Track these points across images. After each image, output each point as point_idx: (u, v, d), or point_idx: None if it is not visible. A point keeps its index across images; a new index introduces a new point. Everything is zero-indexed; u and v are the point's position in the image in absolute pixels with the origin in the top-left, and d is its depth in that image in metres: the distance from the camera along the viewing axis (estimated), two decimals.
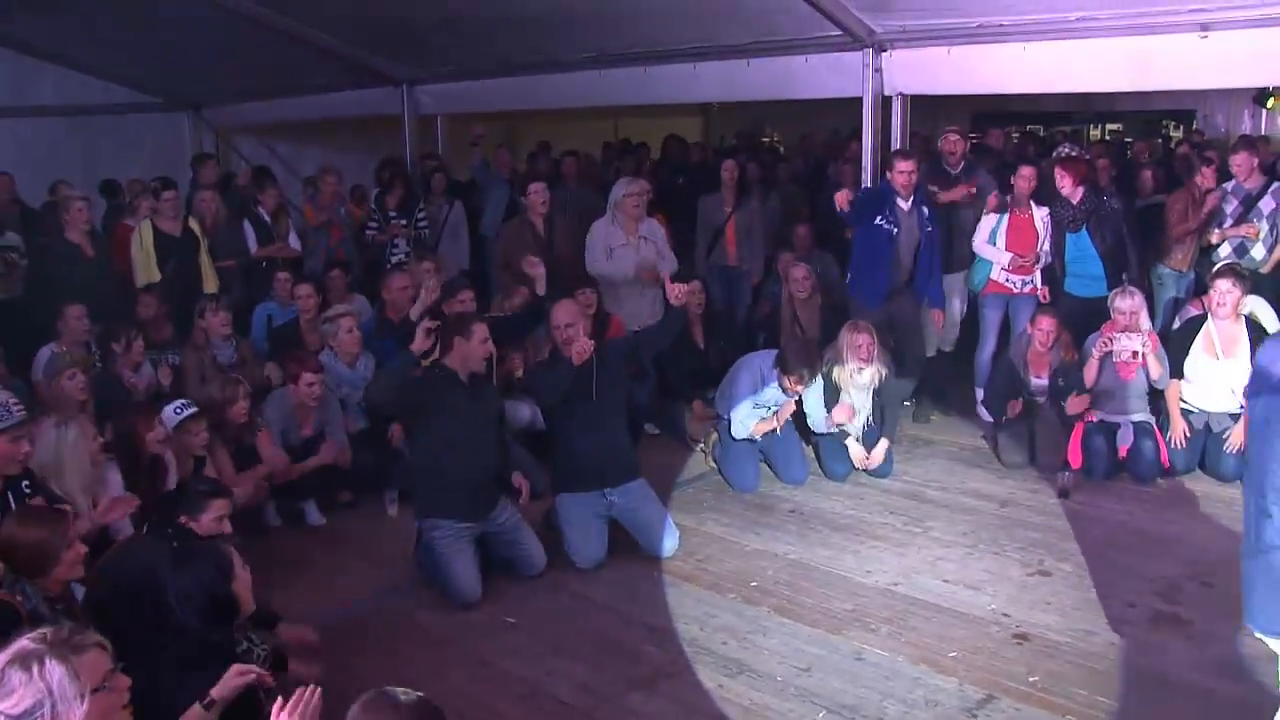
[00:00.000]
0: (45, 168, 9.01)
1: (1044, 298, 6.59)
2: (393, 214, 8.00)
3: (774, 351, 5.83)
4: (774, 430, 5.77)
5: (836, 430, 5.83)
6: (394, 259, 7.84)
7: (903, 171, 6.18)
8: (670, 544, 4.97)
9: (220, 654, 3.08)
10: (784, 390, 5.68)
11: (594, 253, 6.69)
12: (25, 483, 4.01)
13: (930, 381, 6.90)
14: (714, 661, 4.03)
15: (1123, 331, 5.71)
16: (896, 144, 6.63)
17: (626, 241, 6.62)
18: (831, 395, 5.84)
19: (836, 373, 5.80)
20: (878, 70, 6.47)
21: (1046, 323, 5.98)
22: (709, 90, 7.85)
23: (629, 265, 6.63)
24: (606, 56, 7.58)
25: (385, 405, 4.66)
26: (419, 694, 2.21)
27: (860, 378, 5.75)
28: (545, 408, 5.31)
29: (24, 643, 2.29)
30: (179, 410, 4.90)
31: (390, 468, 5.66)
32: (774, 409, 5.77)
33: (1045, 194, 6.57)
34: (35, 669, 2.23)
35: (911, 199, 6.27)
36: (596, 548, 4.91)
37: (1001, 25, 5.91)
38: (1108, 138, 12.87)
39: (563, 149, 9.89)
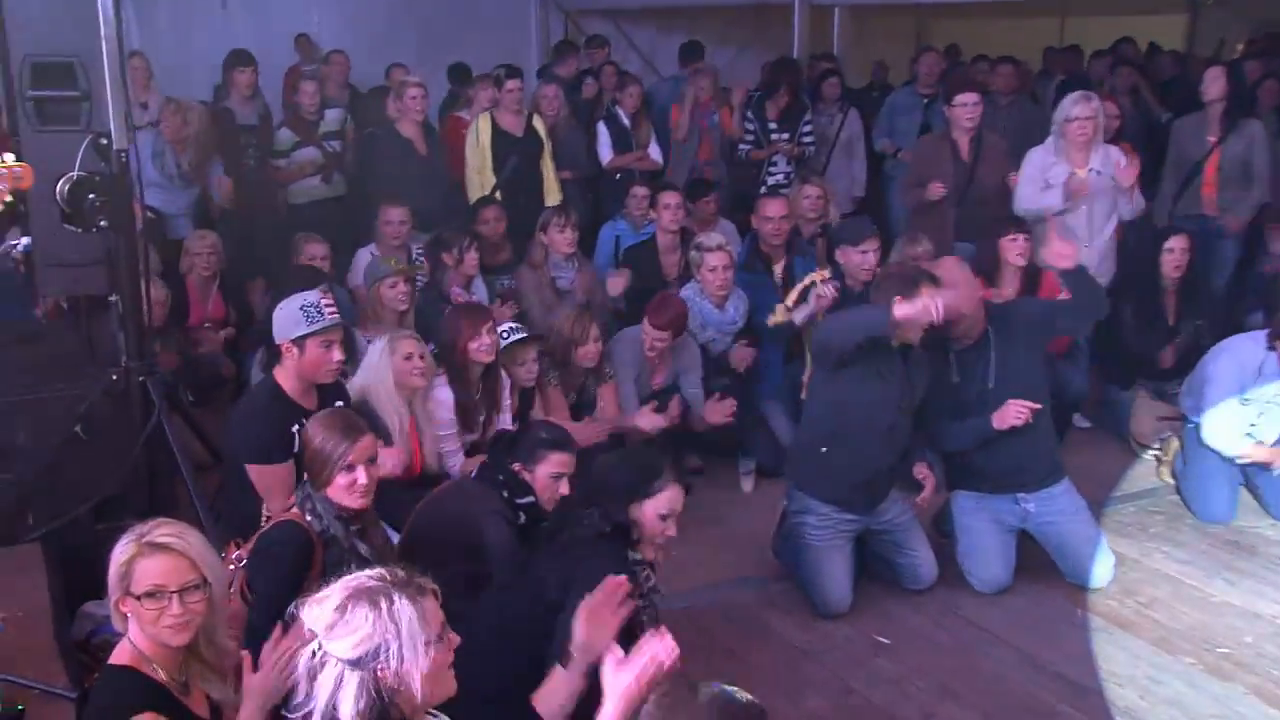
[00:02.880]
0: (376, 47, 9.95)
1: None
2: (773, 125, 8.09)
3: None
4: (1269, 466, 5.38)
5: None
6: (770, 180, 7.93)
7: None
8: (1102, 574, 4.82)
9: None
10: None
11: (1026, 187, 6.46)
12: (340, 403, 4.41)
13: None
14: None
15: None
16: None
17: (1072, 175, 6.34)
18: None
19: None
20: None
21: None
22: None
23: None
24: None
25: (831, 352, 4.66)
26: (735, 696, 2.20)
27: None
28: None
29: (361, 579, 2.36)
30: (506, 334, 5.17)
31: (751, 434, 5.82)
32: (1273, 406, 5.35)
33: None
34: (384, 605, 2.29)
35: None
36: (1000, 567, 4.83)
37: None
38: None
39: (990, 55, 9.58)
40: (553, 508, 4.07)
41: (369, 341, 5.01)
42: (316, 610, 2.31)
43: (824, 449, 4.68)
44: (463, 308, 5.32)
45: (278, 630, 2.90)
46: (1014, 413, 4.67)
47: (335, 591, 2.34)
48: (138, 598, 2.64)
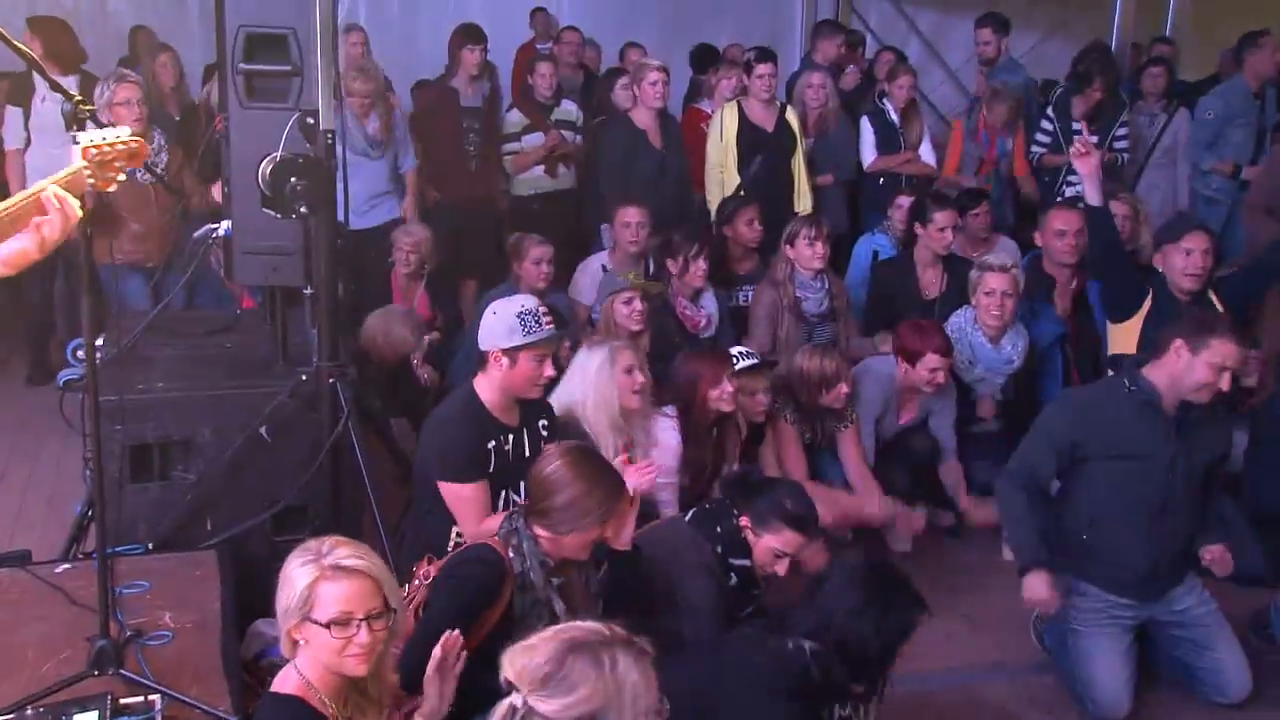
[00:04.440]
0: (618, 26, 10.29)
1: None
2: (1077, 125, 7.90)
3: None
4: None
5: None
6: (1069, 191, 7.78)
7: None
8: None
9: None
10: None
11: None
12: (543, 421, 4.60)
13: None
14: None
15: None
16: None
17: None
18: None
19: None
20: None
21: None
22: None
23: None
24: None
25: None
26: None
27: None
28: None
29: (578, 630, 2.39)
30: (735, 359, 5.31)
31: None
32: None
33: None
34: (607, 663, 2.30)
35: None
36: None
37: None
38: None
39: None
40: (763, 581, 4.20)
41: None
42: (523, 660, 2.33)
43: (1084, 535, 4.61)
44: (702, 353, 5.47)
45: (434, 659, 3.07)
46: None
47: (548, 641, 2.36)
48: (325, 625, 2.75)
